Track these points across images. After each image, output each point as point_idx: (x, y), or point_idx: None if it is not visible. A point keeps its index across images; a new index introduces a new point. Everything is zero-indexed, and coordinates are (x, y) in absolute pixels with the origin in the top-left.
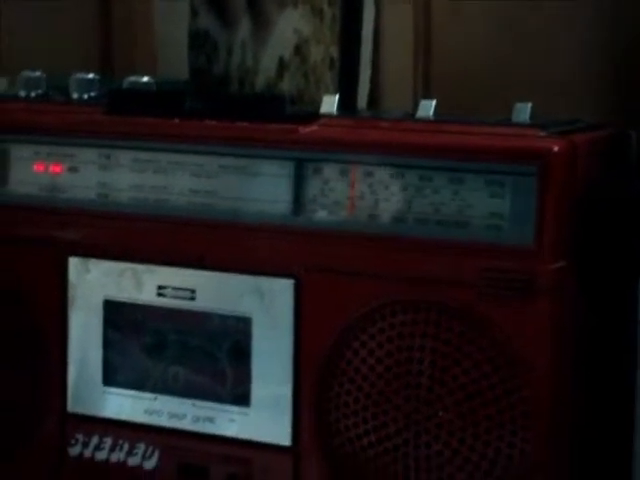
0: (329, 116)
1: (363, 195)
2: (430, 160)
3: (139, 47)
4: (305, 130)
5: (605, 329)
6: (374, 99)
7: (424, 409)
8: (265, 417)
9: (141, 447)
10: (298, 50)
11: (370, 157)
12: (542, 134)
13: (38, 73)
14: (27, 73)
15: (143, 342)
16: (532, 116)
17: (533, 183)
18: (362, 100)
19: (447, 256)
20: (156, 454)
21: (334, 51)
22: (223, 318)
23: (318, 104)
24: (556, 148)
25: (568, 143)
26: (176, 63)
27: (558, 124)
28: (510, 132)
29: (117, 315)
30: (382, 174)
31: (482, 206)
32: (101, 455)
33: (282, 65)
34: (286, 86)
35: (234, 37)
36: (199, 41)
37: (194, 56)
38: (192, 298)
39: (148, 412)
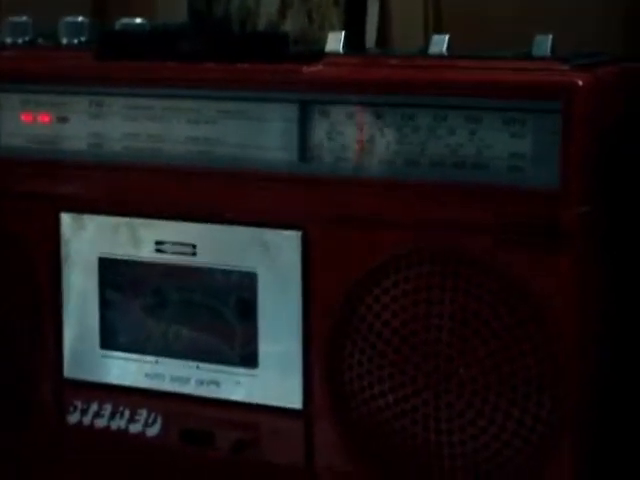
0: (335, 55)
1: (373, 138)
2: (444, 98)
3: None
4: (309, 70)
5: (630, 280)
6: (383, 38)
7: (444, 367)
8: (274, 379)
9: (143, 413)
10: None
11: (379, 97)
12: (565, 68)
13: (25, 18)
14: (13, 19)
15: (142, 301)
16: (553, 49)
17: (557, 120)
18: (370, 39)
19: (465, 201)
20: (159, 420)
21: None
22: (226, 274)
23: (323, 45)
24: (581, 82)
25: (593, 77)
26: (175, 7)
27: (581, 57)
28: (530, 66)
29: (114, 273)
30: (393, 115)
31: (502, 147)
32: (101, 422)
33: (284, 4)
34: (289, 27)
35: None
36: None
37: None
38: (193, 253)
39: (149, 376)
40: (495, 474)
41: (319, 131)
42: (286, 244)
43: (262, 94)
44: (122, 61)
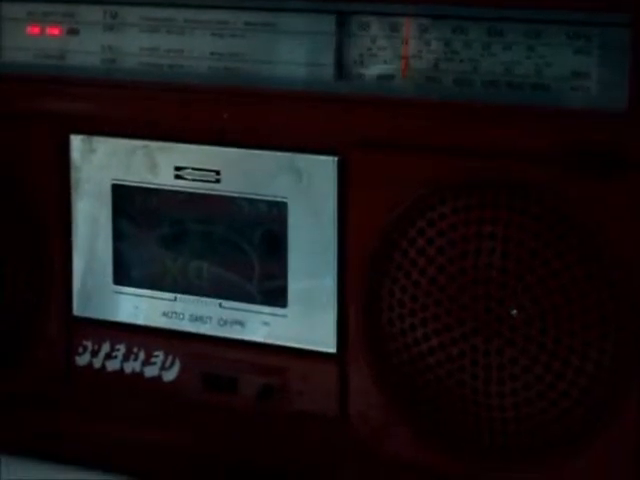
0: None
1: (419, 54)
2: (499, 10)
3: None
4: None
5: None
6: None
7: (496, 309)
8: (304, 319)
9: (159, 356)
10: None
11: (427, 7)
12: None
13: None
14: None
15: (159, 233)
16: None
17: (626, 35)
18: None
19: (522, 126)
20: (177, 364)
21: None
22: (253, 203)
23: None
24: None
25: None
26: None
27: None
28: None
29: (128, 202)
30: (442, 28)
31: (564, 64)
32: (113, 365)
33: None
34: None
35: None
36: None
37: None
38: (216, 180)
39: (167, 315)
40: (551, 427)
41: (358, 45)
42: (320, 171)
43: (294, 4)
44: None
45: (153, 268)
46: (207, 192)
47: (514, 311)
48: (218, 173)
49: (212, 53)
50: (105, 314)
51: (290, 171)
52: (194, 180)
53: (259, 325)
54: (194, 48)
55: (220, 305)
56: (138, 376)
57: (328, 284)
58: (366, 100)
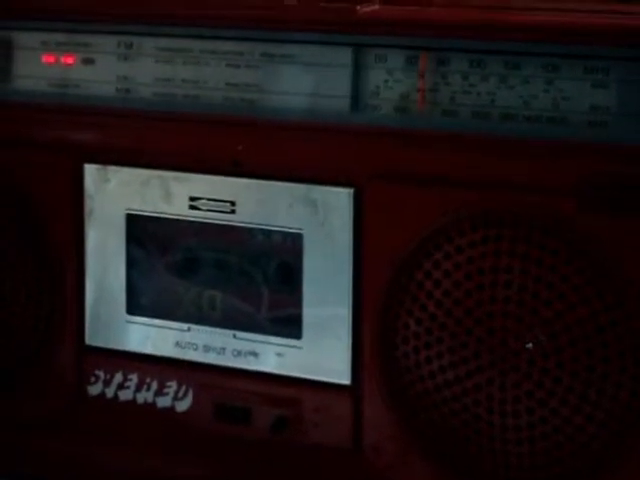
0: None
1: (436, 87)
2: (517, 44)
3: None
4: (365, 9)
5: None
6: None
7: (512, 342)
8: (319, 351)
9: (172, 386)
10: None
11: (444, 41)
12: None
13: None
14: None
15: (173, 263)
16: None
17: None
18: None
19: (540, 159)
20: (190, 394)
21: None
22: (268, 234)
23: None
24: None
25: None
26: None
27: None
28: (616, 8)
29: (142, 231)
30: (459, 61)
31: (582, 98)
32: (126, 395)
33: None
34: None
35: None
36: None
37: None
38: (231, 211)
39: (180, 345)
40: (567, 462)
41: (375, 78)
42: (336, 202)
43: (311, 36)
44: None
45: (166, 298)
46: (222, 222)
47: (530, 344)
48: (233, 204)
49: (227, 84)
50: (118, 344)
51: (306, 202)
52: (209, 210)
53: (273, 356)
54: (209, 79)
55: (234, 336)
56: (151, 406)
57: (343, 316)
58: (382, 132)
